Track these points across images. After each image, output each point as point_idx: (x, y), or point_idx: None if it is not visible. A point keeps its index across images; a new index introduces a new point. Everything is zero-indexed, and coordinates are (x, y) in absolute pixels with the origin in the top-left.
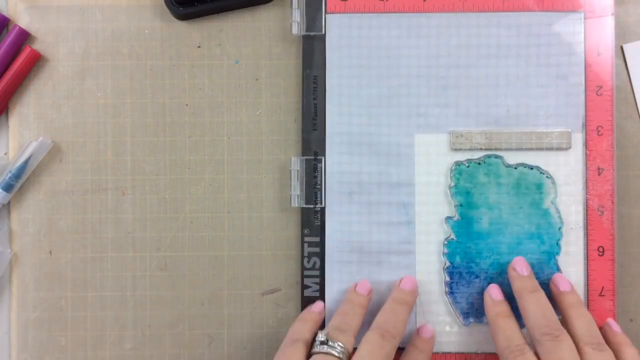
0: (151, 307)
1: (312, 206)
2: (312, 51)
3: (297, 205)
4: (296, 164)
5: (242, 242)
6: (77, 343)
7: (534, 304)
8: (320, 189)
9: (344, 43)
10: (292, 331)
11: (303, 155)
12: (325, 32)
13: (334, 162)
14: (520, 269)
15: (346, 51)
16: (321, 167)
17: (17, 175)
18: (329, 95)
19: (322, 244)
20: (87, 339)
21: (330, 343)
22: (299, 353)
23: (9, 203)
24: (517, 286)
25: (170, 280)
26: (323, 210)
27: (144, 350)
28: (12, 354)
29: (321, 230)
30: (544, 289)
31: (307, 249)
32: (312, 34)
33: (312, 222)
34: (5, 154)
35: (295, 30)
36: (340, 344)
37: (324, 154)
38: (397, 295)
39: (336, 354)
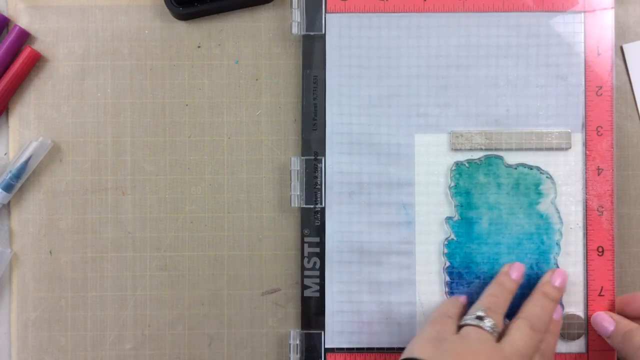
0: (151, 307)
1: (312, 206)
2: (312, 51)
3: (297, 205)
4: (296, 164)
5: (242, 242)
6: (77, 343)
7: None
8: (320, 189)
9: (344, 43)
10: (439, 310)
11: (303, 155)
12: (325, 32)
13: (334, 162)
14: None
15: (346, 51)
16: (321, 167)
17: (17, 175)
18: (329, 95)
19: (322, 244)
20: (87, 339)
21: (484, 319)
22: (450, 325)
23: (9, 203)
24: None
25: (170, 280)
26: (323, 210)
27: (144, 350)
28: (12, 354)
29: (321, 230)
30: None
31: (307, 249)
32: (312, 33)
33: (312, 222)
34: (5, 154)
35: (295, 30)
36: (492, 321)
37: (324, 154)
38: (548, 290)
39: (488, 329)
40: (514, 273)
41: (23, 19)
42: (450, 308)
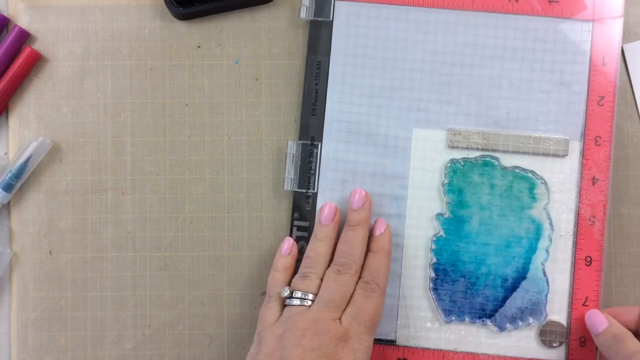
0: (151, 307)
1: (304, 190)
2: (318, 37)
3: (289, 188)
4: (292, 148)
5: (242, 242)
6: (77, 343)
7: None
8: (314, 175)
9: (351, 31)
10: (267, 286)
11: (300, 139)
12: (333, 19)
13: (330, 148)
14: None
15: (352, 40)
16: (317, 153)
17: (17, 175)
18: (331, 82)
19: (311, 229)
20: (87, 339)
21: (293, 295)
22: (273, 310)
23: (9, 203)
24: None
25: (170, 280)
26: (315, 195)
27: (144, 350)
28: (12, 354)
29: (311, 216)
30: (537, 295)
31: (295, 233)
32: (319, 19)
33: (303, 206)
34: (5, 154)
35: (303, 14)
36: (300, 293)
37: (320, 140)
38: (350, 218)
39: (298, 303)
40: (325, 219)
41: (23, 19)
42: (273, 282)
